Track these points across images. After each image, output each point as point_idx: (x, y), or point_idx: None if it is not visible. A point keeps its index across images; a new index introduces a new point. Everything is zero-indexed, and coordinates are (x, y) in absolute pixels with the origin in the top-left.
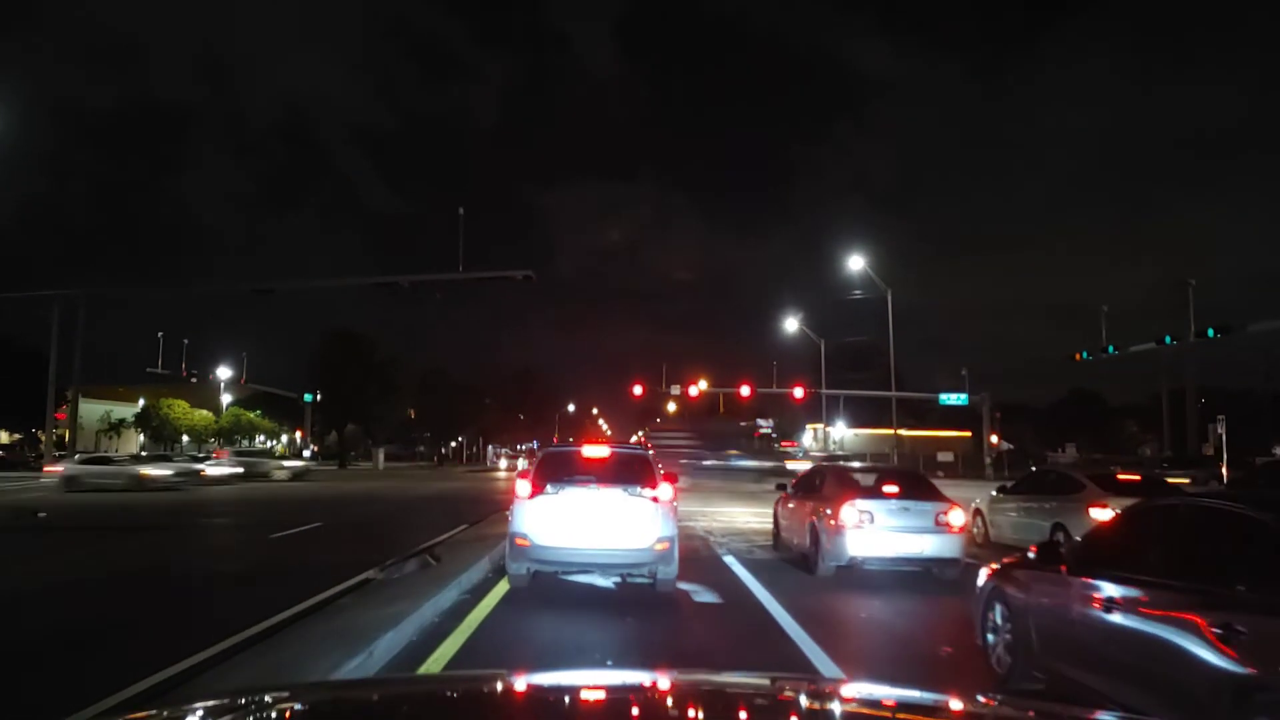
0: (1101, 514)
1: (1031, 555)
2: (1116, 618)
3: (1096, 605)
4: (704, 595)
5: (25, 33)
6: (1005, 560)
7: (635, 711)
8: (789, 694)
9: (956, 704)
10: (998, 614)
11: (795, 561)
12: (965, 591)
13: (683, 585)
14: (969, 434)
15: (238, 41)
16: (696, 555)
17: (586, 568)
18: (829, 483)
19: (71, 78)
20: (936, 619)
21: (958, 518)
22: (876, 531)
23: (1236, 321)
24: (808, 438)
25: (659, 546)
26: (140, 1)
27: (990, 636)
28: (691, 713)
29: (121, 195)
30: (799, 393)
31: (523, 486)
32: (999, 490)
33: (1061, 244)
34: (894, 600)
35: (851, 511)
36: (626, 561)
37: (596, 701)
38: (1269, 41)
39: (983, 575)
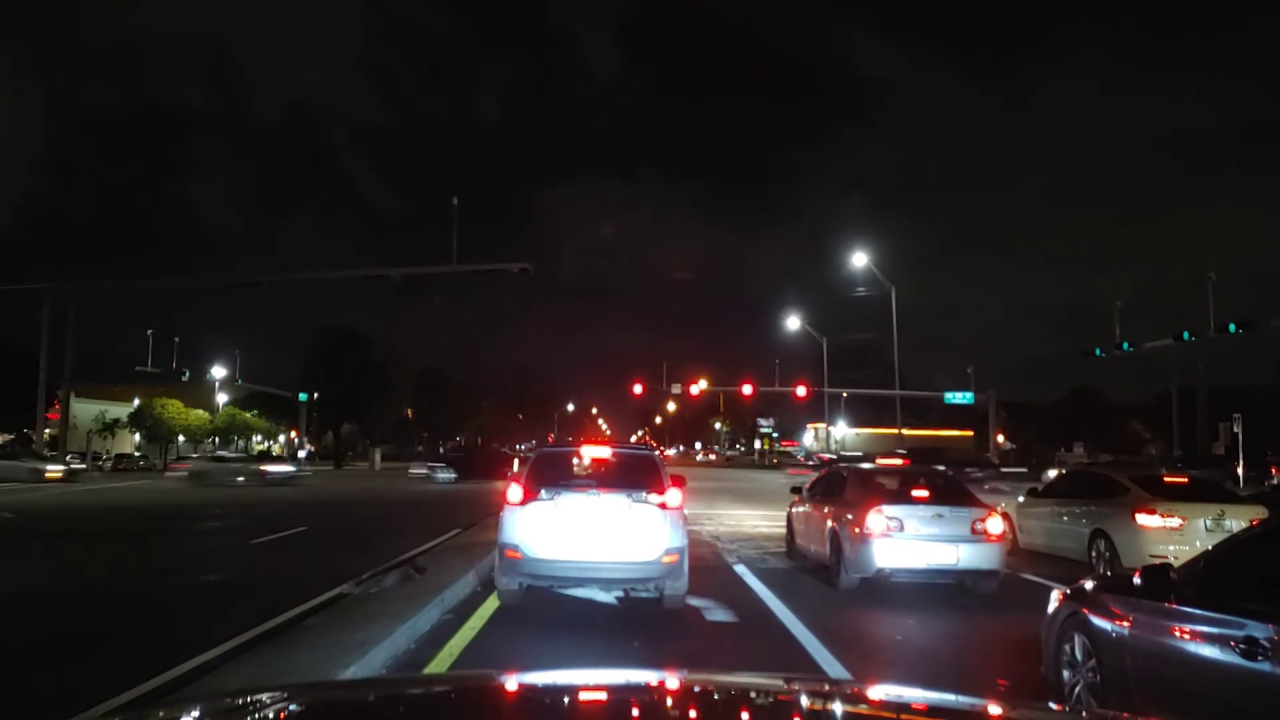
0: (1150, 520)
1: (1137, 581)
2: (1264, 666)
3: (1233, 648)
4: (717, 613)
5: (27, 32)
6: (1085, 581)
7: (663, 712)
8: (807, 696)
9: (995, 709)
10: (1077, 647)
11: (813, 571)
12: (1005, 608)
13: (692, 601)
14: (970, 433)
15: (241, 41)
16: (705, 564)
17: (585, 583)
18: (851, 486)
19: (74, 78)
20: (983, 642)
21: (996, 525)
22: (906, 540)
23: (1258, 318)
24: (809, 437)
25: (667, 559)
26: (143, 1)
27: (1066, 673)
28: (708, 714)
29: (123, 196)
30: (801, 391)
31: (514, 491)
32: (1029, 492)
33: (1060, 243)
34: (929, 619)
35: (878, 518)
36: (631, 576)
37: (606, 702)
38: (1270, 41)
39: (1054, 598)
